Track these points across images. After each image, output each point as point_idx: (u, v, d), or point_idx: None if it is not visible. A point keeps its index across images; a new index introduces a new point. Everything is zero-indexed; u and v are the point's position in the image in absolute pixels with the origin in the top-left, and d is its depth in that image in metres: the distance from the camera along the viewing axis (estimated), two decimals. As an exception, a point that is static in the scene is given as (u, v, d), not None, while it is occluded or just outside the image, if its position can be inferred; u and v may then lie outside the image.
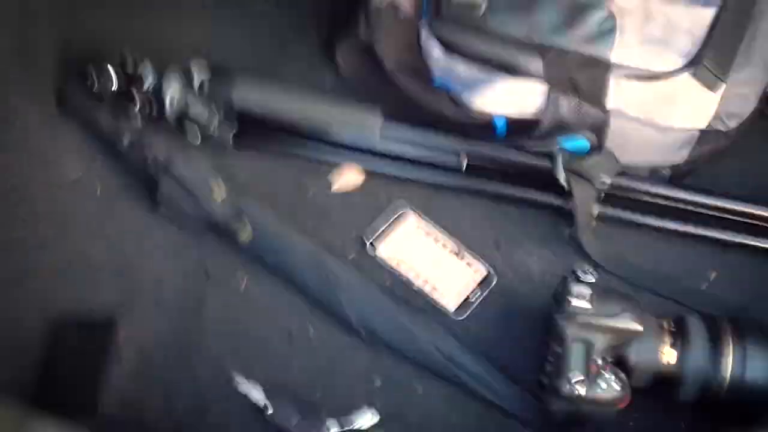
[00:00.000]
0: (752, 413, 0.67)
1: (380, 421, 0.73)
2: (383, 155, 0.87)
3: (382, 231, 0.84)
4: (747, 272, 0.82)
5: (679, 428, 0.73)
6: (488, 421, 0.73)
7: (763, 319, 0.71)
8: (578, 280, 0.70)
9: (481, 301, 0.80)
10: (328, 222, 0.85)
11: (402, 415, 0.74)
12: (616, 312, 0.67)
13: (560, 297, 0.68)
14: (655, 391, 0.69)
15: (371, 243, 0.83)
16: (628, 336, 0.67)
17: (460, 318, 0.79)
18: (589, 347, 0.66)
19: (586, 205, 0.81)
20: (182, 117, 0.87)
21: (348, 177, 0.88)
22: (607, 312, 0.67)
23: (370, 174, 0.88)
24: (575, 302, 0.67)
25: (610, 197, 0.83)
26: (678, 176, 0.85)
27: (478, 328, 0.79)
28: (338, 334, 0.78)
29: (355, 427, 0.72)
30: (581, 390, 0.64)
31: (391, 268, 0.81)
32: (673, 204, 0.83)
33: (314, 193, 0.87)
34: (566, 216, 0.82)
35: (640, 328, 0.67)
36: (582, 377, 0.65)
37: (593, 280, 0.70)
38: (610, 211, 0.83)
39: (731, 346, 0.67)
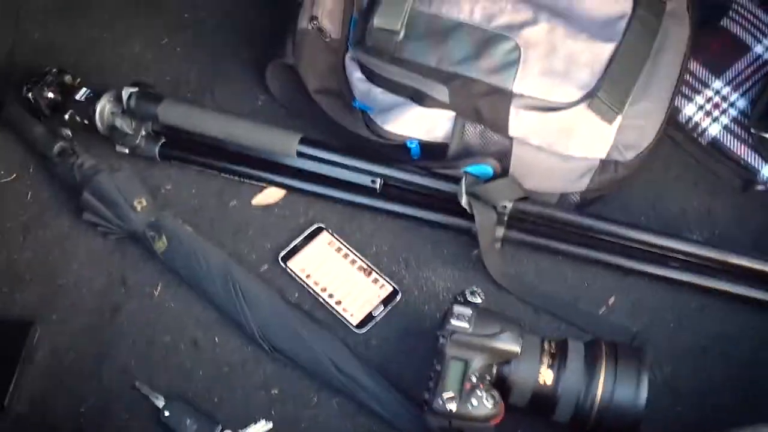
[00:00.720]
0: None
1: (272, 429, 0.75)
2: (302, 173, 0.90)
3: (295, 246, 0.87)
4: (644, 299, 0.84)
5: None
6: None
7: (644, 347, 0.73)
8: (465, 301, 0.73)
9: (384, 316, 0.83)
10: (244, 235, 0.89)
11: (296, 424, 0.76)
12: (495, 332, 0.69)
13: (446, 316, 0.71)
14: (535, 410, 0.72)
15: (283, 257, 0.86)
16: (506, 356, 0.70)
17: (362, 331, 0.81)
18: (466, 366, 0.69)
19: (489, 228, 0.83)
20: (111, 128, 0.91)
21: (268, 193, 0.91)
22: (486, 332, 0.69)
23: (290, 190, 0.91)
24: (455, 322, 0.69)
25: (518, 221, 0.86)
26: (585, 203, 0.88)
27: (378, 343, 0.81)
28: (242, 344, 0.81)
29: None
30: (452, 406, 0.67)
31: (301, 281, 0.84)
32: (576, 230, 0.85)
33: (235, 207, 0.91)
34: (475, 238, 0.85)
35: (517, 349, 0.69)
36: (453, 394, 0.67)
37: (479, 301, 0.73)
38: (516, 234, 0.86)
39: (603, 371, 0.69)
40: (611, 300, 0.84)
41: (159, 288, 0.85)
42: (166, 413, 0.75)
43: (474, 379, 0.68)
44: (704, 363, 0.81)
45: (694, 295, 0.84)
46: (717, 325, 0.83)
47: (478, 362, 0.69)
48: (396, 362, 0.80)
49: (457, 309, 0.70)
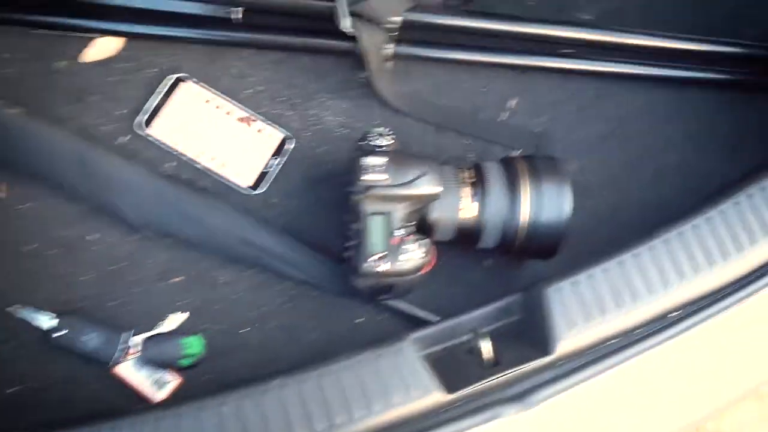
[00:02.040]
0: (549, 249, 0.68)
1: (186, 319, 0.68)
2: (142, 12, 0.73)
3: (155, 106, 0.73)
4: (543, 96, 0.80)
5: (481, 267, 0.74)
6: (302, 297, 0.71)
7: (556, 156, 0.70)
8: (371, 145, 0.65)
9: (280, 170, 0.73)
10: (86, 103, 0.73)
11: (208, 309, 0.69)
12: (414, 177, 0.63)
13: (357, 169, 0.63)
14: (460, 241, 0.69)
15: (143, 122, 0.72)
16: (428, 199, 0.64)
17: (258, 192, 0.72)
18: (388, 219, 0.63)
19: (377, 49, 0.73)
20: None
21: (101, 44, 0.74)
22: (404, 179, 0.63)
23: (130, 38, 0.74)
24: (369, 175, 0.62)
25: (405, 33, 0.76)
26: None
27: (279, 200, 0.73)
28: (123, 236, 0.70)
29: (161, 331, 0.67)
30: (383, 266, 0.62)
31: (171, 148, 0.72)
32: (469, 34, 0.77)
33: (65, 69, 0.73)
34: (361, 59, 0.75)
35: (438, 189, 0.64)
36: (383, 253, 0.62)
37: (389, 142, 0.65)
38: (406, 49, 0.76)
39: (528, 191, 0.66)
40: (512, 102, 0.79)
41: (3, 187, 0.70)
42: (56, 334, 0.65)
43: (400, 232, 0.63)
44: (608, 150, 0.79)
45: (591, 83, 0.81)
46: (615, 109, 0.81)
47: (399, 212, 0.63)
48: (303, 217, 0.72)
49: (369, 159, 0.62)
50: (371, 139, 0.65)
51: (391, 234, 0.63)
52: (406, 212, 0.64)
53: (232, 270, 0.70)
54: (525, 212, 0.66)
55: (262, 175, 0.73)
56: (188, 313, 0.68)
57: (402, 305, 0.70)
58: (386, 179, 0.62)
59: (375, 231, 0.62)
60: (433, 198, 0.64)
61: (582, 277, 0.59)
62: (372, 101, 0.77)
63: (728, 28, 0.82)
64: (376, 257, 0.62)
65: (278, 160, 0.73)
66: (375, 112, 0.76)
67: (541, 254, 0.69)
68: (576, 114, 0.80)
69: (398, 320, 0.71)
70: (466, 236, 0.68)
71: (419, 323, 0.70)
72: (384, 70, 0.75)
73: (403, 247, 0.63)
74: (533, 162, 0.68)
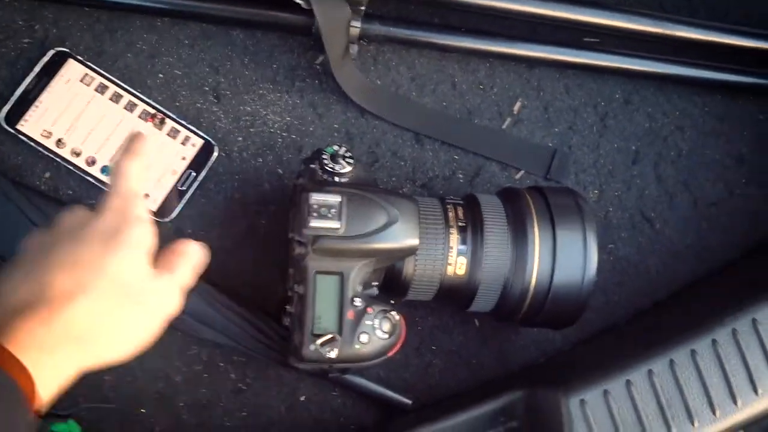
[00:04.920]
0: (564, 320, 0.50)
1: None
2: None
3: (26, 90, 0.52)
4: (558, 98, 0.61)
5: (467, 328, 0.56)
6: (221, 366, 0.52)
7: (568, 184, 0.51)
8: (325, 169, 0.45)
9: (197, 188, 0.54)
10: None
11: (92, 382, 0.50)
12: (381, 225, 0.44)
13: (300, 209, 0.43)
14: (441, 302, 0.50)
15: (8, 114, 0.52)
16: (400, 254, 0.45)
17: (167, 219, 0.53)
18: (342, 282, 0.44)
19: (341, 26, 0.53)
20: None
21: (-48, 0, 0.53)
22: (367, 228, 0.44)
23: (-9, -8, 0.53)
24: (318, 221, 0.43)
25: (378, 7, 0.56)
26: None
27: (195, 232, 0.53)
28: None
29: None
30: (333, 352, 0.43)
31: (48, 153, 0.52)
32: (464, 11, 0.57)
33: None
34: (316, 39, 0.55)
35: (415, 242, 0.45)
36: (333, 334, 0.43)
37: (346, 169, 0.45)
38: (379, 28, 0.56)
39: (538, 241, 0.47)
40: (517, 106, 0.60)
41: None
42: None
43: (358, 302, 0.44)
44: (636, 174, 0.61)
45: (619, 84, 0.62)
46: (649, 121, 0.62)
47: (359, 271, 0.44)
48: (226, 256, 0.53)
49: (318, 197, 0.43)
50: (324, 161, 0.45)
51: (345, 304, 0.44)
52: (368, 271, 0.45)
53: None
54: (534, 271, 0.48)
55: (174, 196, 0.53)
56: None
57: (361, 381, 0.52)
58: (341, 227, 0.43)
59: (324, 300, 0.43)
60: (407, 252, 0.45)
61: (617, 385, 0.41)
62: (330, 96, 0.57)
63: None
64: (323, 340, 0.43)
65: (197, 175, 0.53)
66: (334, 111, 0.57)
67: (553, 324, 0.51)
68: (598, 125, 0.61)
69: (355, 399, 0.53)
70: (453, 298, 0.49)
71: (383, 405, 0.52)
72: (348, 55, 0.55)
73: (363, 323, 0.44)
74: (546, 196, 0.50)
